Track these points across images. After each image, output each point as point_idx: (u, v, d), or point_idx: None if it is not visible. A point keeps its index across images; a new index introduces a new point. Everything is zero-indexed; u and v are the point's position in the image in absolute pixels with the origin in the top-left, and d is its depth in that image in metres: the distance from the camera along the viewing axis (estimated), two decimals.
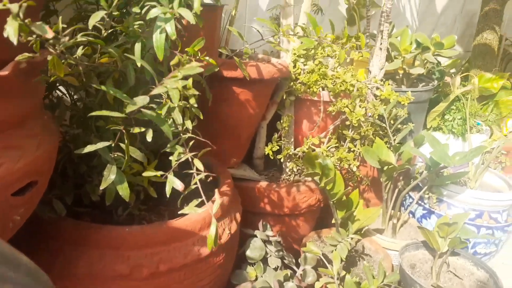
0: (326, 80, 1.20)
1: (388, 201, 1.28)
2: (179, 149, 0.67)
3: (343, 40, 1.07)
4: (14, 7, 0.38)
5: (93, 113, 0.59)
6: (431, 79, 1.49)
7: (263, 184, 1.11)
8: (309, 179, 1.20)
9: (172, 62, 0.63)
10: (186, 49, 0.69)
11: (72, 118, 0.76)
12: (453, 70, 2.08)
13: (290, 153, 1.21)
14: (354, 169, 1.15)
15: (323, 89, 1.21)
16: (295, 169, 1.21)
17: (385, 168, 1.18)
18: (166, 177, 0.67)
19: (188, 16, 0.57)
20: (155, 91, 0.60)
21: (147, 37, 0.63)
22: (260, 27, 1.41)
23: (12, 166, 0.52)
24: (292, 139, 1.26)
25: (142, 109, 0.58)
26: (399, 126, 1.37)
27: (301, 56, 1.18)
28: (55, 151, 0.63)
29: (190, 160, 0.67)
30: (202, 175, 0.67)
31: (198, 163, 0.66)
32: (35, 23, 0.41)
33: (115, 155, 0.65)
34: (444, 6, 1.96)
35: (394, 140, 1.26)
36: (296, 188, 1.12)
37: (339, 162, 1.18)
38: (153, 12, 0.58)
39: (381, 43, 1.37)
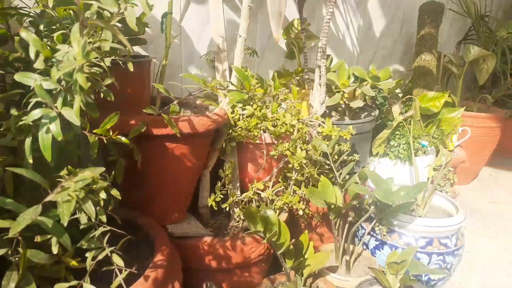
0: (267, 122, 1.19)
1: (339, 238, 1.27)
2: (96, 245, 0.61)
3: (273, 93, 1.05)
4: None
5: None
6: (372, 108, 1.51)
7: (208, 239, 1.07)
8: None
9: (62, 173, 0.57)
10: (94, 131, 0.64)
11: None
12: (398, 90, 2.14)
13: (236, 200, 1.18)
14: (301, 212, 1.13)
15: (264, 132, 1.19)
16: (242, 216, 1.18)
17: (332, 207, 1.17)
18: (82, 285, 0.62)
19: (72, 117, 0.53)
20: (47, 199, 0.54)
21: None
22: (199, 69, 1.38)
23: None
24: (238, 184, 1.23)
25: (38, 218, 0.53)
26: (345, 157, 1.37)
27: (240, 101, 1.16)
28: None
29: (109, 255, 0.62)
30: (124, 274, 0.62)
31: (117, 260, 0.61)
32: None
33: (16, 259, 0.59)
34: (382, 30, 2.01)
35: (340, 174, 1.25)
36: (242, 240, 1.08)
37: (286, 204, 1.16)
38: (34, 115, 0.54)
39: (320, 79, 1.37)
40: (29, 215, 0.52)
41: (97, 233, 0.66)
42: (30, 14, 0.76)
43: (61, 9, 0.65)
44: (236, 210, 1.20)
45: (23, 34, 0.53)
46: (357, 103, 1.33)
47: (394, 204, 1.10)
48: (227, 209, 1.16)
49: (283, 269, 1.09)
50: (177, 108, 0.90)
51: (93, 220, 0.65)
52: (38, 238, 0.56)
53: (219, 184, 1.15)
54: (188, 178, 1.08)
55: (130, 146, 0.87)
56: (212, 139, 1.14)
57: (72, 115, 0.53)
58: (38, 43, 0.53)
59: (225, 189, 1.17)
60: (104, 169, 0.59)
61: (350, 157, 1.37)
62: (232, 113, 1.15)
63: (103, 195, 0.60)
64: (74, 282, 0.63)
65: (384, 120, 1.60)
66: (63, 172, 0.56)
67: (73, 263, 0.67)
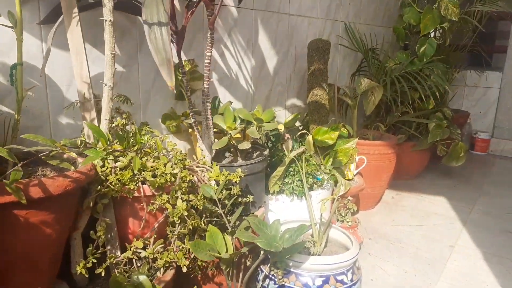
0: (146, 172, 1.11)
1: (234, 286, 1.20)
2: None
3: (135, 148, 0.99)
4: None
5: None
6: (264, 148, 1.51)
7: None
8: None
9: None
10: None
11: None
12: (298, 124, 2.19)
13: (114, 262, 1.07)
14: (184, 269, 1.05)
15: (143, 183, 1.11)
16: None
17: (222, 257, 1.11)
18: None
19: None
20: None
21: None
22: (71, 119, 1.27)
23: None
24: (117, 243, 1.12)
25: None
26: (239, 200, 1.33)
27: (110, 153, 1.07)
28: None
29: None
30: None
31: None
32: None
33: None
34: (276, 68, 2.06)
35: (231, 220, 1.21)
36: None
37: (169, 262, 1.07)
38: None
39: (206, 121, 1.34)
40: None
41: None
42: None
43: None
44: (117, 271, 1.09)
45: None
46: (245, 145, 1.31)
47: (277, 250, 1.06)
48: (103, 274, 1.04)
49: None
50: (19, 176, 0.79)
51: None
52: None
53: (91, 247, 1.04)
54: (48, 245, 0.95)
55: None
56: (79, 197, 1.03)
57: None
58: None
59: (100, 252, 1.05)
60: None
61: (244, 199, 1.33)
62: (102, 166, 1.06)
63: None
64: None
65: (279, 157, 1.60)
66: None
67: None
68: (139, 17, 1.40)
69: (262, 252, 1.19)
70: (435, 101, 2.61)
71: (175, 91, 1.56)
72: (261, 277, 1.37)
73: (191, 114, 1.33)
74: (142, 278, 0.88)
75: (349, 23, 2.60)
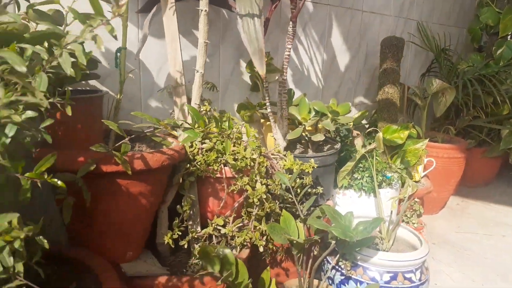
0: (227, 155, 1.17)
1: (303, 273, 1.24)
2: None
3: (228, 131, 1.04)
4: None
5: None
6: (335, 141, 1.53)
7: (163, 279, 1.02)
8: None
9: None
10: (26, 174, 0.61)
11: None
12: (364, 121, 2.17)
13: (196, 236, 1.14)
14: (261, 249, 1.10)
15: (225, 165, 1.17)
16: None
17: (295, 242, 1.15)
18: None
19: None
20: None
21: None
22: (159, 102, 1.37)
23: None
24: (198, 220, 1.19)
25: None
26: (309, 190, 1.36)
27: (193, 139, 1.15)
28: None
29: None
30: None
31: None
32: None
33: None
34: (347, 64, 2.07)
35: (303, 208, 1.24)
36: (201, 279, 1.04)
37: (247, 240, 1.13)
38: None
39: (281, 112, 1.38)
40: None
41: (11, 286, 0.61)
42: None
43: None
44: (196, 246, 1.16)
45: None
46: (318, 137, 1.33)
47: (352, 240, 1.08)
48: (186, 246, 1.12)
49: None
50: (128, 148, 0.87)
51: (10, 272, 0.61)
52: None
53: (177, 220, 1.12)
54: (142, 215, 1.04)
55: (79, 183, 0.84)
56: (170, 173, 1.11)
57: None
58: None
59: (184, 225, 1.13)
60: (18, 215, 0.56)
61: (314, 190, 1.36)
62: (190, 147, 1.14)
63: (17, 244, 0.56)
64: None
65: (349, 152, 1.61)
66: None
67: None
68: (223, 10, 1.47)
69: (333, 242, 1.21)
70: (511, 107, 2.47)
71: (250, 83, 1.62)
72: (327, 267, 1.39)
73: (267, 104, 1.38)
74: (227, 251, 0.94)
75: (422, 22, 2.53)
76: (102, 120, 0.91)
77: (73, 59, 0.64)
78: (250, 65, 1.55)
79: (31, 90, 0.51)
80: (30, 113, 0.59)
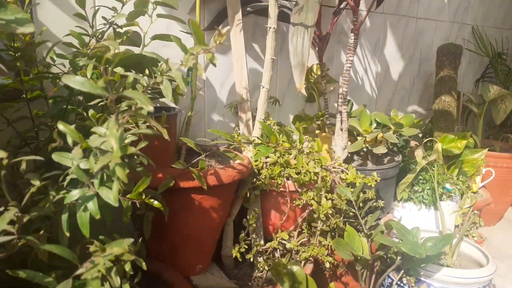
0: (290, 169, 1.18)
1: None
2: None
3: (299, 146, 1.05)
4: None
5: None
6: (395, 153, 1.50)
7: None
8: None
9: (91, 249, 0.57)
10: (127, 196, 0.65)
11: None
12: (417, 130, 2.12)
13: (260, 250, 1.16)
14: (327, 265, 1.10)
15: (287, 179, 1.19)
16: (267, 266, 1.15)
17: (359, 258, 1.14)
18: None
19: (109, 197, 0.53)
20: (78, 272, 0.54)
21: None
22: (221, 117, 1.40)
23: None
24: (262, 233, 1.21)
25: None
26: (370, 204, 1.35)
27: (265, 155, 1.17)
28: None
29: None
30: None
31: None
32: None
33: None
34: (400, 72, 2.03)
35: (365, 222, 1.23)
36: None
37: (309, 256, 1.13)
38: (73, 195, 0.54)
39: (341, 124, 1.38)
40: None
41: None
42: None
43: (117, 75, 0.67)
44: (260, 260, 1.18)
45: (61, 126, 0.54)
46: (380, 150, 1.32)
47: (421, 256, 1.06)
48: (251, 259, 1.14)
49: None
50: (205, 165, 0.90)
51: None
52: None
53: (243, 234, 1.14)
54: (213, 228, 1.07)
55: (158, 199, 0.88)
56: (236, 188, 1.14)
57: (110, 196, 0.54)
58: (75, 135, 0.54)
59: (249, 238, 1.15)
60: (132, 240, 0.59)
61: (375, 204, 1.34)
62: (255, 161, 1.16)
63: (128, 267, 0.59)
64: None
65: (408, 164, 1.58)
66: (92, 248, 0.56)
67: None
68: (282, 24, 1.48)
69: (398, 258, 1.20)
70: None
71: (305, 94, 1.63)
72: (388, 282, 1.37)
73: (326, 116, 1.38)
74: (297, 268, 0.95)
75: (477, 26, 2.45)
76: (180, 138, 0.94)
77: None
78: (306, 76, 1.55)
79: (152, 124, 0.54)
80: (132, 138, 0.63)
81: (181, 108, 1.14)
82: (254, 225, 1.15)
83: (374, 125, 1.37)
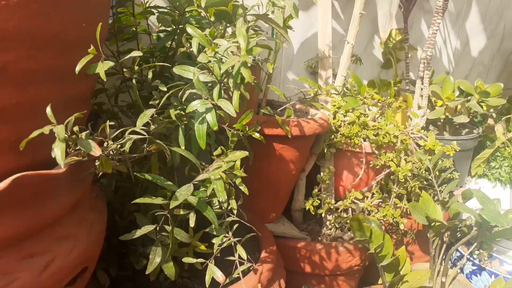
0: (367, 130, 1.17)
1: (436, 257, 1.20)
2: (223, 232, 0.64)
3: (389, 100, 1.03)
4: (60, 132, 0.37)
5: (136, 201, 0.58)
6: (474, 125, 1.43)
7: (304, 243, 1.06)
8: (351, 235, 1.15)
9: (215, 153, 0.61)
10: (234, 125, 0.67)
11: (118, 189, 0.74)
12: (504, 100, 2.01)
13: (331, 207, 1.16)
14: (402, 226, 1.09)
15: (364, 140, 1.17)
16: (336, 224, 1.16)
17: (433, 224, 1.12)
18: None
19: (229, 108, 0.55)
20: (199, 178, 0.58)
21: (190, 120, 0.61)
22: (296, 75, 1.40)
23: (65, 259, 0.50)
24: (333, 191, 1.21)
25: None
26: (442, 174, 1.31)
27: (341, 107, 1.16)
28: (104, 231, 0.62)
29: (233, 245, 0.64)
30: (245, 266, 0.63)
31: (241, 251, 0.63)
32: (82, 141, 0.39)
33: (160, 235, 0.63)
34: (480, 46, 1.91)
35: (440, 192, 1.20)
36: (339, 248, 1.06)
37: (384, 217, 1.12)
38: (193, 106, 0.57)
39: (421, 89, 1.33)
40: (184, 192, 0.55)
41: (226, 222, 0.68)
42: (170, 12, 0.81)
43: (212, 10, 0.69)
44: (329, 217, 1.19)
45: (189, 30, 0.57)
46: (462, 119, 1.26)
47: (503, 226, 1.02)
48: (323, 215, 1.15)
49: (378, 283, 1.06)
50: (291, 113, 0.91)
51: (223, 208, 0.68)
52: (180, 211, 0.59)
53: (316, 189, 1.15)
54: (288, 179, 1.09)
55: (244, 143, 0.90)
56: (313, 142, 1.14)
57: (229, 107, 0.56)
58: (203, 38, 0.57)
59: (321, 194, 1.16)
60: (246, 153, 0.62)
61: (450, 175, 1.30)
62: (334, 118, 1.15)
63: (239, 181, 0.62)
64: (200, 260, 0.66)
65: (485, 139, 1.50)
66: (217, 152, 0.60)
67: (202, 247, 0.70)
68: None
69: (474, 229, 1.16)
70: None
71: (382, 60, 1.58)
72: (457, 256, 1.34)
73: (406, 81, 1.34)
74: (377, 223, 0.95)
75: None
76: (268, 86, 0.95)
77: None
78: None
79: (277, 27, 0.56)
80: (256, 38, 0.65)
81: (268, 59, 1.14)
82: (328, 182, 1.16)
83: (457, 93, 1.31)
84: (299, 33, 1.34)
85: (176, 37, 0.79)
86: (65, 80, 0.44)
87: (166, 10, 0.77)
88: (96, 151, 0.40)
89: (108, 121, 0.46)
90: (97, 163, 0.45)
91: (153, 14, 0.81)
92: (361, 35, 1.50)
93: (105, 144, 0.45)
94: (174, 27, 0.78)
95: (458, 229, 1.29)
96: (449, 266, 1.29)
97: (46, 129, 0.37)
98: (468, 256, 1.28)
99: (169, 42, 0.78)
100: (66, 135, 0.37)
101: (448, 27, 1.75)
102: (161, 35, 0.83)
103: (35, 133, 0.37)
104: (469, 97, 1.30)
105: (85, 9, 0.45)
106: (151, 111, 0.54)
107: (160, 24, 0.83)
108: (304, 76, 1.39)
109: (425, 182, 1.22)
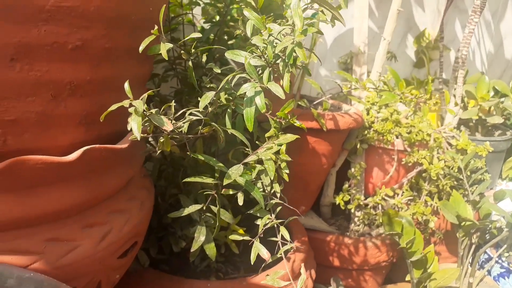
0: (400, 128, 1.17)
1: (464, 258, 1.19)
2: (266, 214, 0.66)
3: (426, 96, 1.03)
4: (139, 106, 0.39)
5: (188, 179, 0.60)
6: (507, 127, 1.41)
7: (333, 237, 1.07)
8: (381, 231, 1.16)
9: (267, 134, 0.63)
10: (276, 113, 0.69)
11: (161, 172, 0.77)
12: None
13: (361, 203, 1.17)
14: (432, 225, 1.09)
15: (396, 137, 1.17)
16: (365, 220, 1.16)
17: (463, 224, 1.11)
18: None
19: (278, 91, 0.57)
20: (249, 159, 0.60)
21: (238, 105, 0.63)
22: (328, 72, 1.41)
23: (120, 231, 0.53)
24: (363, 188, 1.22)
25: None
26: (474, 174, 1.29)
27: (375, 103, 1.16)
28: (151, 209, 0.64)
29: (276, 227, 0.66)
30: (288, 246, 0.65)
31: (284, 232, 0.65)
32: (155, 116, 0.42)
33: (204, 215, 0.66)
34: None
35: (472, 192, 1.19)
36: (367, 243, 1.07)
37: (412, 215, 1.12)
38: (244, 88, 0.59)
39: (454, 89, 1.32)
40: (236, 171, 0.57)
41: (269, 204, 0.70)
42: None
43: (261, 0, 0.71)
44: (358, 213, 1.19)
45: (246, 13, 0.59)
46: (495, 119, 1.25)
47: None
48: (352, 210, 1.16)
49: (406, 279, 1.06)
50: (328, 106, 0.92)
51: (266, 191, 0.70)
52: (229, 191, 0.61)
53: (346, 185, 1.16)
54: (320, 173, 1.10)
55: (303, 128, 0.91)
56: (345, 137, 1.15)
57: (279, 89, 0.58)
58: (259, 21, 0.59)
59: (351, 190, 1.17)
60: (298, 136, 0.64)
61: (481, 176, 1.29)
62: (367, 114, 1.15)
63: (284, 165, 0.64)
64: (247, 238, 0.68)
65: None
66: (269, 133, 0.62)
67: (240, 231, 0.72)
68: None
69: (505, 230, 1.15)
70: None
71: (414, 59, 1.57)
72: (485, 258, 1.32)
73: (439, 81, 1.33)
74: (409, 218, 0.95)
75: None
76: (305, 79, 0.97)
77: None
78: (417, 39, 1.50)
79: (331, 9, 0.59)
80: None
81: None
82: (359, 178, 1.16)
83: (492, 93, 1.30)
84: (332, 29, 1.35)
85: (219, 28, 0.81)
86: (132, 60, 0.46)
87: (212, 2, 0.79)
88: (168, 126, 0.42)
89: (172, 103, 0.49)
90: (161, 140, 0.48)
91: (199, 5, 0.83)
92: (394, 34, 1.50)
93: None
94: (219, 18, 0.80)
95: (487, 231, 1.28)
96: (477, 268, 1.27)
97: (125, 103, 0.39)
98: (497, 259, 1.26)
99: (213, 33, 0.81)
100: (144, 110, 0.39)
101: (483, 27, 1.73)
102: (205, 26, 0.85)
103: (114, 106, 0.39)
104: (503, 98, 1.28)
105: None
106: (212, 93, 0.56)
107: (204, 17, 0.85)
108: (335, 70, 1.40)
109: (455, 182, 1.22)
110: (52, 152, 0.44)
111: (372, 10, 1.41)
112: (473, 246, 1.20)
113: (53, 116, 0.42)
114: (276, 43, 0.57)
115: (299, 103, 0.94)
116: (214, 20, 0.81)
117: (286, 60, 0.57)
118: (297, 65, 0.60)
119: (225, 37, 0.90)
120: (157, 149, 0.49)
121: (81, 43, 0.40)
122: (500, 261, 1.27)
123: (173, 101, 0.49)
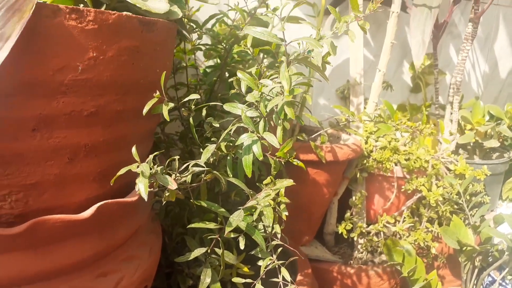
0: (399, 155, 1.20)
1: (468, 282, 1.20)
2: (268, 255, 0.68)
3: (421, 126, 1.07)
4: (146, 169, 0.42)
5: (191, 225, 0.63)
6: (504, 149, 1.44)
7: (337, 266, 1.09)
8: (384, 258, 1.17)
9: (265, 182, 0.66)
10: (276, 154, 0.72)
11: (168, 212, 0.80)
12: None
13: (363, 231, 1.19)
14: (433, 251, 1.11)
15: (395, 165, 1.20)
16: (368, 248, 1.18)
17: (465, 249, 1.13)
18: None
19: (273, 141, 0.61)
20: (248, 204, 0.63)
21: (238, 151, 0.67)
22: (327, 101, 1.45)
23: (131, 278, 0.55)
24: (364, 215, 1.24)
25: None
26: (473, 198, 1.32)
27: (372, 132, 1.19)
28: (160, 252, 0.67)
29: (277, 268, 0.69)
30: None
31: (285, 273, 0.67)
32: (161, 176, 0.45)
33: (209, 257, 0.68)
34: (509, 68, 1.92)
35: (472, 215, 1.21)
36: (369, 272, 1.09)
37: (415, 241, 1.14)
38: (242, 139, 0.63)
39: (451, 114, 1.35)
40: (237, 218, 0.60)
41: (271, 246, 0.72)
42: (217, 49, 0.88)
43: (257, 50, 0.75)
44: (361, 241, 1.21)
45: (240, 74, 0.63)
46: (492, 143, 1.28)
47: None
48: (355, 238, 1.18)
49: None
50: (326, 139, 0.96)
51: (267, 232, 0.72)
52: (231, 235, 0.64)
53: (348, 213, 1.18)
54: (322, 202, 1.13)
55: (281, 168, 0.95)
56: (345, 167, 1.18)
57: (274, 139, 0.62)
58: (251, 81, 0.63)
59: (353, 218, 1.19)
60: (293, 182, 0.67)
61: (481, 199, 1.31)
62: (365, 143, 1.19)
63: (283, 207, 0.67)
64: (249, 280, 0.70)
65: None
66: (266, 181, 0.65)
67: (245, 269, 0.75)
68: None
69: (506, 253, 1.16)
70: None
71: (411, 84, 1.61)
72: (488, 281, 1.33)
73: (435, 106, 1.36)
74: (410, 247, 0.97)
75: None
76: (304, 113, 1.00)
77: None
78: (413, 65, 1.54)
79: (318, 71, 0.62)
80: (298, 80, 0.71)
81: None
82: (360, 205, 1.19)
83: (487, 117, 1.33)
84: (330, 60, 1.39)
85: (221, 71, 0.86)
86: (140, 119, 0.50)
87: (213, 47, 0.84)
88: (173, 185, 0.45)
89: (176, 157, 0.52)
90: (166, 194, 0.51)
91: (201, 50, 0.88)
92: (391, 60, 1.54)
93: (173, 177, 0.51)
94: (220, 61, 0.85)
95: (490, 254, 1.30)
96: None
97: (133, 167, 0.43)
98: (500, 281, 1.27)
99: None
100: (150, 172, 0.43)
101: (477, 51, 1.77)
102: (207, 70, 0.89)
103: (123, 170, 0.43)
104: (499, 121, 1.31)
105: (160, 57, 0.52)
106: (213, 146, 0.60)
107: (206, 59, 0.90)
108: (334, 101, 1.44)
109: (455, 206, 1.24)
110: (68, 208, 0.47)
111: (368, 40, 1.46)
112: (476, 270, 1.21)
113: (70, 176, 0.45)
114: (268, 99, 0.62)
115: (298, 137, 0.97)
116: (215, 64, 0.86)
117: (279, 115, 0.61)
118: (289, 119, 0.63)
119: (227, 74, 0.95)
120: (163, 199, 0.52)
121: (95, 110, 0.44)
122: (504, 283, 1.27)
123: (177, 158, 0.53)
